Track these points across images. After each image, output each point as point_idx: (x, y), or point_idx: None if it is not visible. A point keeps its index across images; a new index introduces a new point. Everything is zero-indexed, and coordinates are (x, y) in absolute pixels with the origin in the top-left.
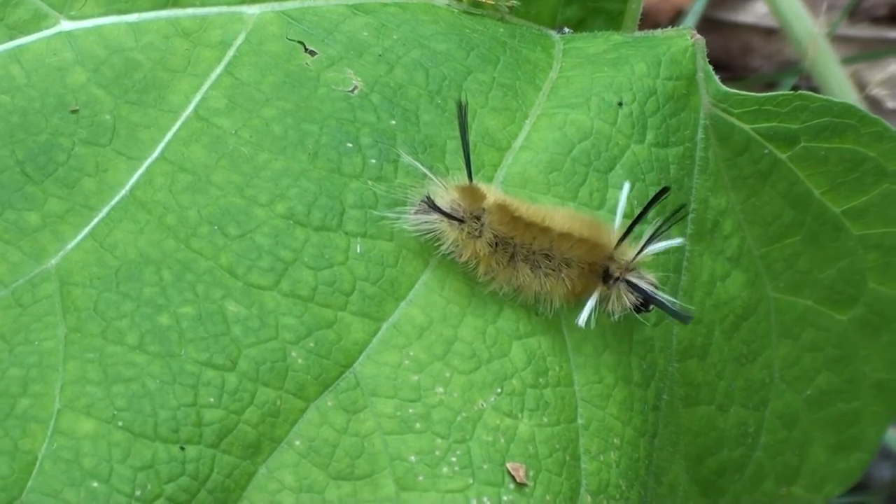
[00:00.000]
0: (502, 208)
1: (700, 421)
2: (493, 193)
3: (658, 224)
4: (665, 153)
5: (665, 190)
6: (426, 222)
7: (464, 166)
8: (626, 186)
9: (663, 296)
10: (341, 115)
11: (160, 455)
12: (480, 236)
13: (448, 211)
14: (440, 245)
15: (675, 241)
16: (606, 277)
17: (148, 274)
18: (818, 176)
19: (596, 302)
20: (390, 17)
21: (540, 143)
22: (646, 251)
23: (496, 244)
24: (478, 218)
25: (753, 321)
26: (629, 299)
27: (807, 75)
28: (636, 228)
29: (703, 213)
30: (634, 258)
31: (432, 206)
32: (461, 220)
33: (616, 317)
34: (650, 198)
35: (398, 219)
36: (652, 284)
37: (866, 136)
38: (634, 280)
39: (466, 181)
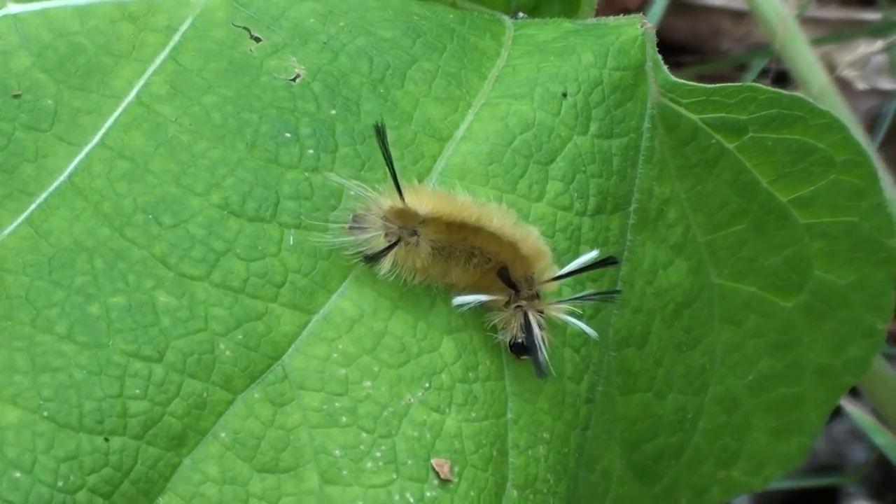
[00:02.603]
0: (436, 220)
1: (637, 408)
2: (425, 200)
3: (587, 293)
4: (608, 144)
5: (611, 261)
6: (359, 246)
7: (393, 186)
8: (593, 253)
9: (541, 352)
10: (281, 104)
11: (84, 446)
12: (418, 250)
13: (382, 233)
14: (378, 269)
15: (590, 331)
16: (513, 297)
17: (81, 262)
18: (765, 165)
19: (482, 301)
20: (338, 2)
21: (481, 134)
22: (563, 305)
23: (433, 254)
24: (414, 233)
25: (695, 308)
26: (512, 331)
27: (777, 57)
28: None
29: (646, 203)
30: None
31: (362, 229)
32: (396, 242)
33: (503, 340)
34: (592, 261)
35: (329, 241)
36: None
37: (815, 128)
38: (535, 317)
39: (397, 197)
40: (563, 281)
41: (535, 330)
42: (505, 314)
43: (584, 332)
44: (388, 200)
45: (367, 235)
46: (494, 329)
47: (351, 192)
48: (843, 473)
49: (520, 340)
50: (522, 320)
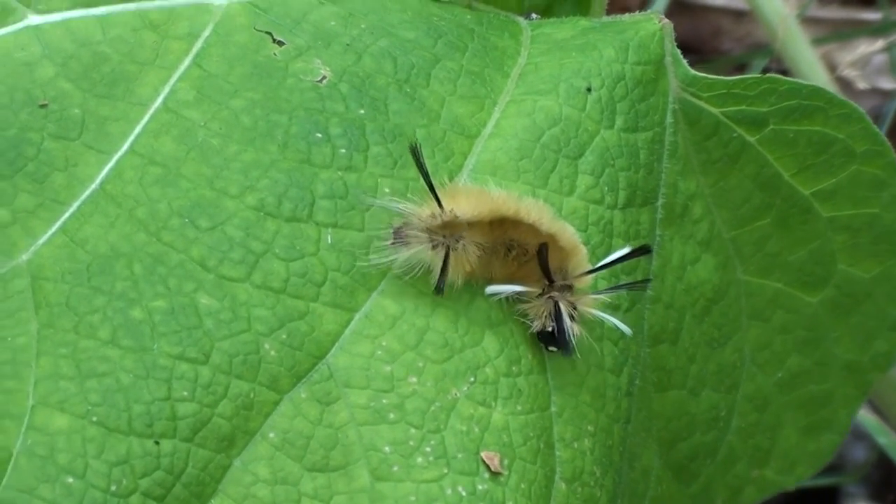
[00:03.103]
0: (479, 222)
1: (672, 405)
2: (463, 203)
3: (619, 284)
4: (634, 138)
5: (646, 249)
6: (408, 260)
7: (431, 198)
8: (626, 249)
9: (570, 338)
10: (310, 105)
11: (135, 450)
12: (467, 254)
13: (429, 245)
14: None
15: (624, 327)
16: (547, 288)
17: (119, 268)
18: (787, 158)
19: (515, 291)
20: (358, 5)
21: (509, 131)
22: (601, 295)
23: (479, 254)
24: (459, 238)
25: (724, 304)
26: (542, 319)
27: (777, 57)
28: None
29: (672, 198)
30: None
31: (406, 245)
32: (447, 254)
33: (532, 329)
34: (627, 251)
35: (377, 262)
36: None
37: (835, 119)
38: (567, 308)
39: (437, 207)
40: (597, 276)
41: (566, 318)
42: (537, 304)
43: (618, 328)
44: (427, 209)
45: (412, 250)
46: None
47: (391, 209)
48: (843, 473)
49: (549, 329)
50: (553, 309)
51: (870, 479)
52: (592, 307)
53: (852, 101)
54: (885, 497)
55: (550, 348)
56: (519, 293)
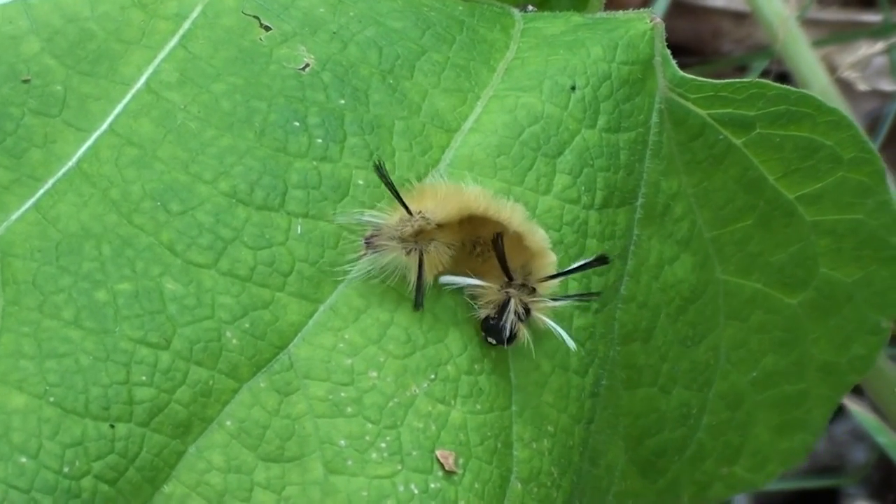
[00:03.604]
0: (449, 223)
1: (641, 403)
2: (432, 204)
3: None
4: (616, 138)
5: (603, 260)
6: (383, 269)
7: (400, 205)
8: (583, 261)
9: (506, 332)
10: (291, 92)
11: (90, 432)
12: (439, 255)
13: (403, 252)
14: (405, 281)
15: (570, 342)
16: (505, 284)
17: (88, 248)
18: (773, 162)
19: (469, 283)
20: None
21: (490, 126)
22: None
23: (450, 253)
24: (431, 240)
25: (700, 304)
26: (489, 308)
27: (778, 59)
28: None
29: (653, 197)
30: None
31: (380, 253)
32: (421, 260)
33: (477, 316)
34: (584, 262)
35: (354, 274)
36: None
37: (823, 125)
38: (517, 305)
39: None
40: (568, 281)
41: (510, 312)
42: (490, 296)
43: (564, 341)
44: (397, 216)
45: (386, 259)
46: (460, 307)
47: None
48: (843, 475)
49: (492, 320)
50: (502, 301)
51: (870, 480)
52: (545, 314)
53: (852, 103)
54: (885, 498)
55: (490, 339)
56: (473, 286)
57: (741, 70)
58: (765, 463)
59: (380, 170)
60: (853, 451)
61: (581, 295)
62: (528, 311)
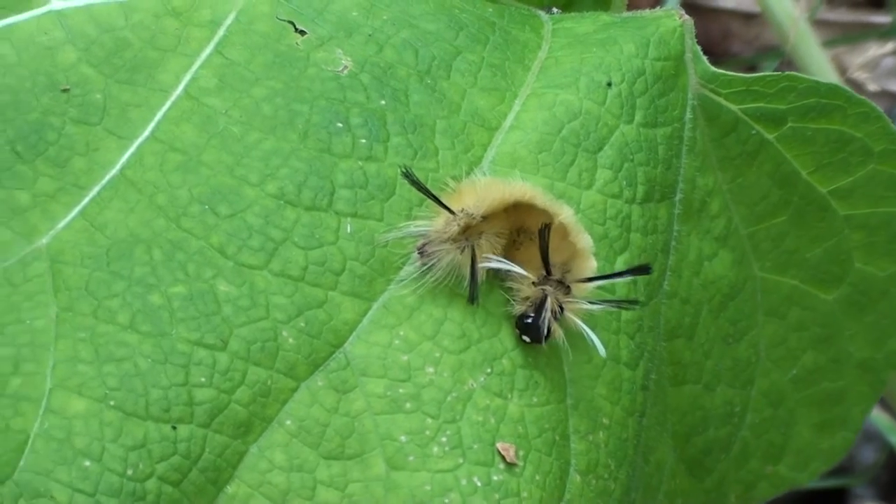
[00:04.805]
0: (494, 213)
1: (687, 400)
2: (473, 199)
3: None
4: (654, 133)
5: (645, 269)
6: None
7: (440, 207)
8: (626, 268)
9: (542, 330)
10: (331, 94)
11: (152, 434)
12: (491, 246)
13: (457, 252)
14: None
15: (600, 348)
16: (542, 279)
17: (139, 253)
18: (805, 156)
19: (508, 269)
20: None
21: (529, 123)
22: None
23: (503, 242)
24: (480, 234)
25: (740, 301)
26: (525, 305)
27: (788, 59)
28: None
29: (690, 193)
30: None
31: (436, 258)
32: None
33: (513, 312)
34: (627, 269)
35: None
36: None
37: (853, 117)
38: (553, 304)
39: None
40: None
41: (546, 313)
42: (527, 290)
43: (594, 346)
44: (442, 219)
45: (442, 264)
46: (506, 300)
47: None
48: (852, 475)
49: (528, 318)
50: (539, 299)
51: (878, 480)
52: (578, 316)
53: None
54: (893, 498)
55: (524, 337)
56: (512, 272)
57: (750, 70)
58: (808, 461)
59: (409, 176)
60: (862, 451)
61: (618, 301)
62: (562, 309)
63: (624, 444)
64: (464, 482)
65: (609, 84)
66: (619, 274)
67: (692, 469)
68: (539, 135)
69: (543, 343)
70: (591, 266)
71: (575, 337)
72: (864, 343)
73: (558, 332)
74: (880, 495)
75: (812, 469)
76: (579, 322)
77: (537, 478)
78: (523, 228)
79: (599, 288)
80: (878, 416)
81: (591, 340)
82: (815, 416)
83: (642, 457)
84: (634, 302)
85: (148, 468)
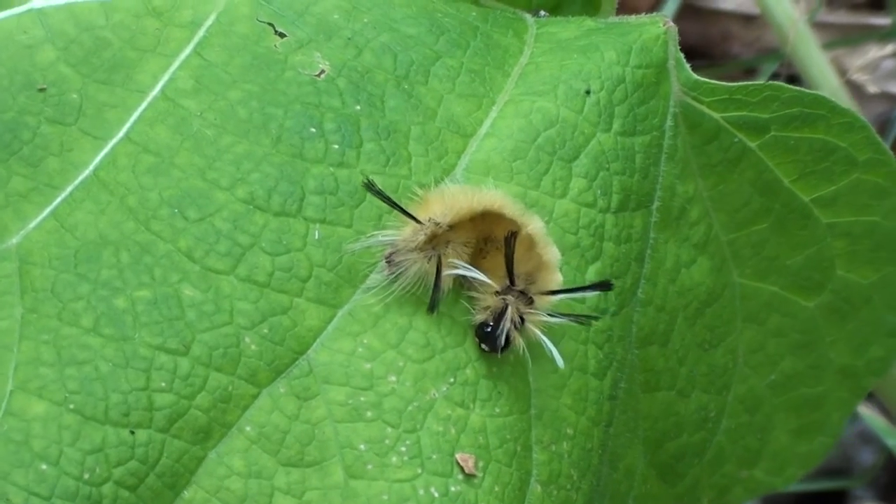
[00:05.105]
0: (461, 222)
1: (660, 406)
2: (440, 209)
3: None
4: (631, 142)
5: (606, 285)
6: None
7: (406, 216)
8: (588, 283)
9: (499, 341)
10: (306, 99)
11: (110, 439)
12: (458, 254)
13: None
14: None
15: (559, 360)
16: (506, 288)
17: (106, 256)
18: (788, 164)
19: (472, 275)
20: None
21: (505, 131)
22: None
23: (470, 251)
24: (447, 243)
25: (718, 307)
26: (485, 314)
27: (787, 62)
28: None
29: (669, 201)
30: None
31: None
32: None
33: (473, 321)
34: (588, 284)
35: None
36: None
37: (837, 127)
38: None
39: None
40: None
41: (506, 322)
42: (489, 299)
43: (553, 358)
44: (409, 228)
45: (410, 272)
46: (469, 309)
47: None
48: (850, 477)
49: (488, 327)
50: (500, 308)
51: (877, 482)
52: (538, 327)
53: (862, 105)
54: (892, 500)
55: (483, 346)
56: (476, 279)
57: (750, 73)
58: (784, 466)
59: (371, 187)
60: (861, 453)
61: (577, 316)
62: (522, 320)
63: (588, 454)
64: (421, 492)
65: (588, 92)
66: (582, 288)
67: (664, 474)
68: (514, 142)
69: (499, 353)
70: (557, 279)
71: (541, 347)
72: (845, 350)
73: (518, 342)
74: (879, 497)
75: (788, 474)
76: (539, 333)
77: (496, 489)
78: (491, 238)
79: (570, 298)
80: (874, 419)
81: (551, 352)
82: (792, 422)
83: (609, 465)
84: (594, 317)
85: (105, 472)
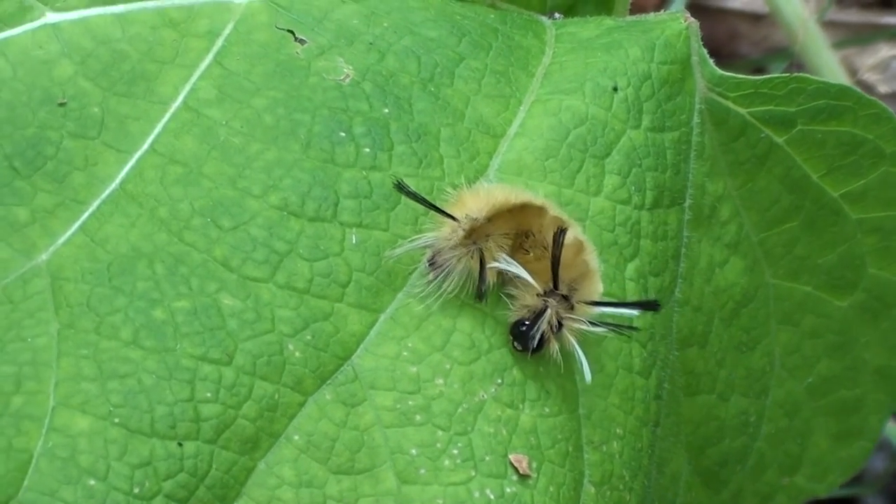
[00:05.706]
0: (499, 214)
1: (701, 410)
2: (475, 204)
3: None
4: (661, 138)
5: (654, 305)
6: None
7: (442, 215)
8: (635, 300)
9: (533, 342)
10: (333, 103)
11: (158, 451)
12: (500, 247)
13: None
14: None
15: (587, 372)
16: (548, 291)
17: (141, 268)
18: (815, 159)
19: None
20: (380, 4)
21: (535, 130)
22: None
23: (510, 242)
24: (487, 237)
25: (752, 308)
26: (523, 313)
27: (797, 61)
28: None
29: (700, 199)
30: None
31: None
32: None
33: (509, 318)
34: (635, 301)
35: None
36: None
37: (864, 119)
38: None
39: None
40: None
41: (543, 324)
42: (528, 298)
43: (583, 370)
44: (447, 228)
45: (455, 272)
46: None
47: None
48: (862, 484)
49: (522, 327)
50: (539, 309)
51: (889, 489)
52: (574, 335)
53: None
54: None
55: (515, 344)
56: (520, 277)
57: (758, 72)
58: (826, 472)
59: (403, 188)
60: (872, 459)
61: (618, 326)
62: (560, 325)
63: (638, 454)
64: (477, 495)
65: (615, 89)
66: (628, 304)
67: (708, 481)
68: (545, 141)
69: (530, 353)
70: (598, 290)
71: (585, 347)
72: (880, 350)
73: (553, 345)
74: None
75: (830, 480)
76: (574, 342)
77: (551, 489)
78: (529, 232)
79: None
80: (888, 426)
81: (581, 364)
82: (832, 426)
83: (657, 468)
84: (634, 328)
85: (154, 486)
